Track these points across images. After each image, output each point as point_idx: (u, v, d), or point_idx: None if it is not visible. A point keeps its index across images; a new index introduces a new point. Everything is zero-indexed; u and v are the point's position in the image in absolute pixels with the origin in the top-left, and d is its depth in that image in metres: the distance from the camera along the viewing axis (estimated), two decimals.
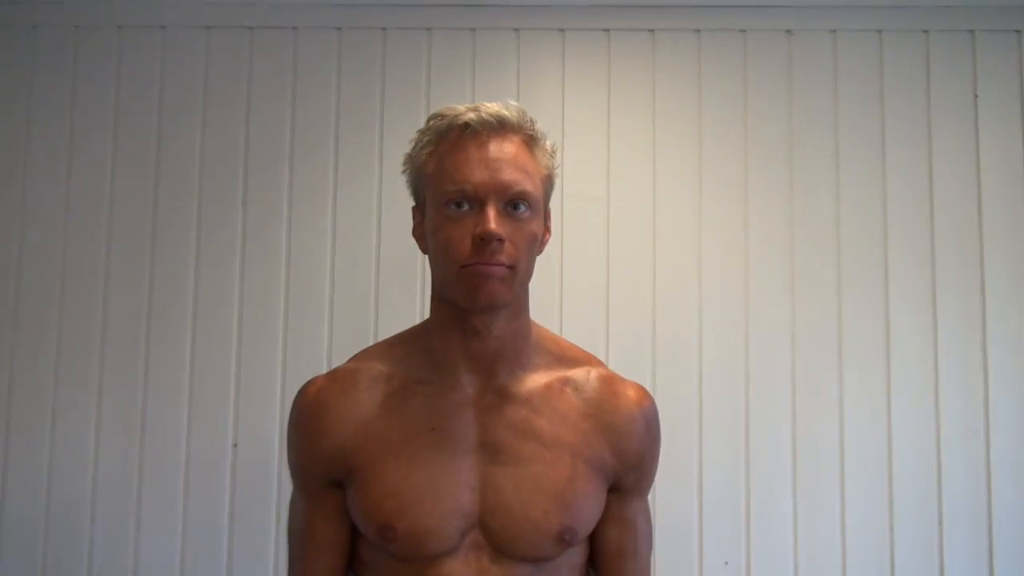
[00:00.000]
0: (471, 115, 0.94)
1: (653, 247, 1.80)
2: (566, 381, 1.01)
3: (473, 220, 0.92)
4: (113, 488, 1.73)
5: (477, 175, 0.92)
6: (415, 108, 1.81)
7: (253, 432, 1.73)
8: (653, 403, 1.05)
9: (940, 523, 1.72)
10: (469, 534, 0.94)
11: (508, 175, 0.93)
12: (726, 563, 1.72)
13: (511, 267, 0.93)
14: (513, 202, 0.93)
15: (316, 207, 1.80)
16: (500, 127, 0.95)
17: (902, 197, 1.80)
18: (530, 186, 0.94)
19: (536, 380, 1.00)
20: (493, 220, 0.91)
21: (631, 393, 1.03)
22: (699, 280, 1.79)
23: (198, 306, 1.78)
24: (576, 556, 1.00)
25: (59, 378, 1.76)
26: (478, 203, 0.92)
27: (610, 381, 1.03)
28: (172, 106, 1.82)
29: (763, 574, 1.71)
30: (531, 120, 0.98)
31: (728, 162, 1.81)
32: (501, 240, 0.91)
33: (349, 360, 1.04)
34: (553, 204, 1.74)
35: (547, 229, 1.02)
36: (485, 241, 0.90)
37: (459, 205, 0.92)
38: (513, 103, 0.97)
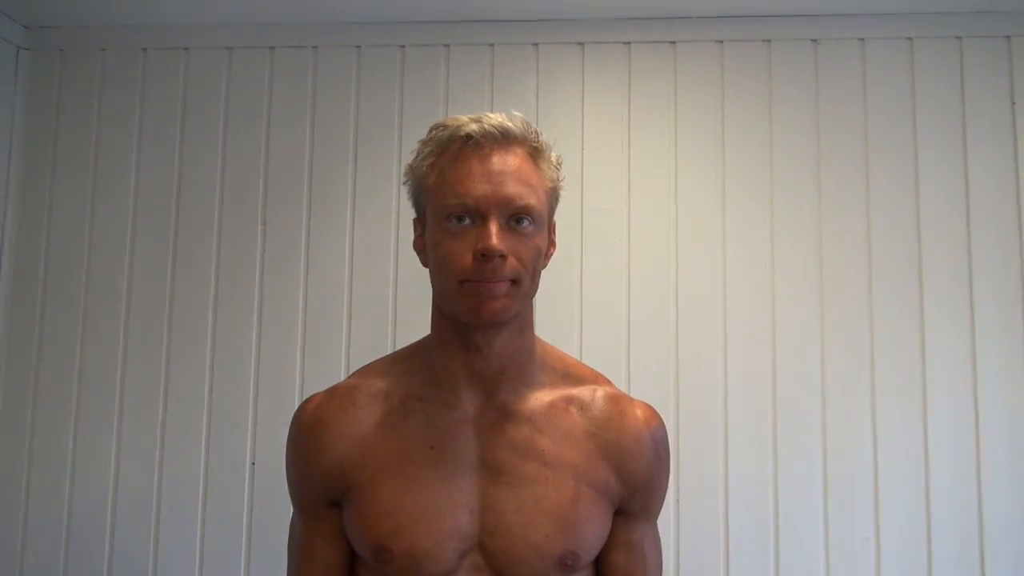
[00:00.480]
0: (473, 126, 0.91)
1: (675, 262, 1.75)
2: (571, 400, 0.97)
3: (474, 235, 0.89)
4: (132, 506, 1.74)
5: (479, 188, 0.89)
6: (434, 120, 1.79)
7: (271, 451, 1.73)
8: (662, 423, 1.00)
9: (981, 550, 1.63)
10: (468, 556, 0.91)
11: (511, 189, 0.89)
12: None
13: (514, 281, 0.90)
14: (516, 216, 0.90)
15: (335, 225, 1.80)
16: (503, 139, 0.91)
17: (936, 208, 1.73)
18: (534, 200, 0.91)
19: (539, 398, 0.96)
20: (495, 236, 0.87)
21: (639, 413, 0.99)
22: (723, 295, 1.74)
23: (217, 325, 1.78)
24: None
25: (80, 398, 1.77)
26: (480, 217, 0.89)
27: (617, 400, 0.99)
28: (194, 126, 1.85)
29: None
30: (536, 131, 0.95)
31: (752, 175, 1.77)
32: (503, 256, 0.88)
33: (350, 376, 1.02)
34: (572, 219, 1.75)
35: (552, 243, 0.99)
36: (487, 257, 0.87)
37: (460, 219, 0.90)
38: (517, 114, 0.95)
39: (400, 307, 1.76)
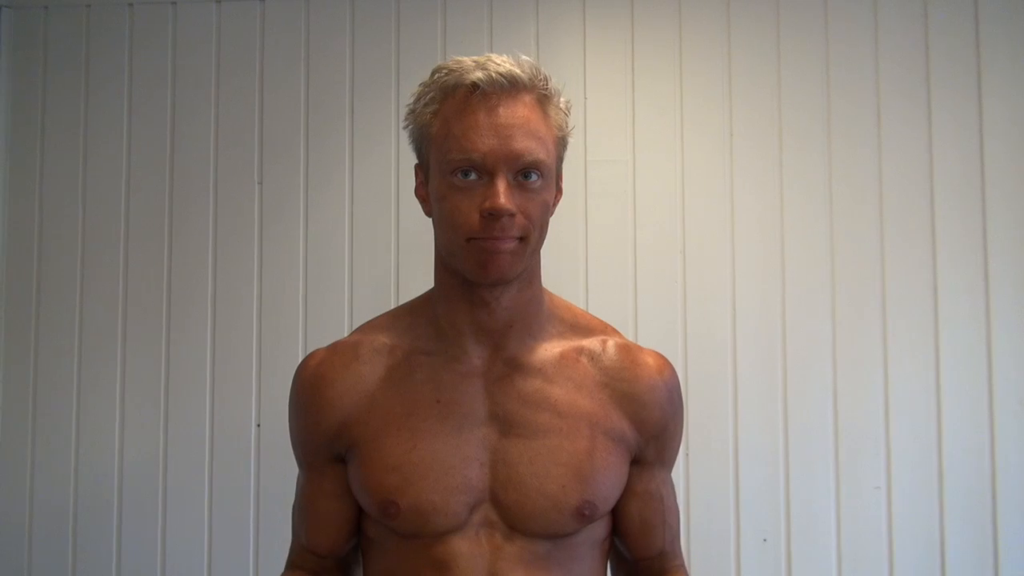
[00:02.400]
0: (479, 74, 0.86)
1: (682, 214, 1.72)
2: (581, 350, 0.96)
3: (481, 192, 0.85)
4: (139, 470, 1.73)
5: (486, 143, 0.85)
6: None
7: (276, 412, 1.71)
8: (674, 371, 0.99)
9: (994, 501, 1.62)
10: (478, 510, 0.89)
11: (520, 143, 0.85)
12: (764, 540, 1.65)
13: (522, 239, 0.87)
14: (524, 172, 0.87)
15: (333, 182, 1.76)
16: (511, 87, 0.87)
17: (949, 154, 1.69)
18: (542, 153, 0.87)
19: (549, 349, 0.94)
20: (503, 194, 0.84)
21: (651, 361, 0.97)
22: (731, 248, 1.70)
23: (218, 287, 1.75)
24: (597, 531, 0.95)
25: (82, 362, 1.75)
26: (487, 173, 0.86)
27: (628, 349, 0.97)
28: (185, 82, 1.80)
29: (803, 552, 1.64)
30: (545, 76, 0.90)
31: (761, 121, 1.72)
32: (512, 215, 0.85)
33: (352, 332, 1.01)
34: (576, 171, 1.71)
35: (559, 190, 0.96)
36: (494, 216, 0.84)
37: (466, 174, 0.86)
38: (525, 58, 0.90)
39: (402, 261, 1.74)
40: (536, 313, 0.95)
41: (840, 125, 1.71)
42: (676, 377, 0.99)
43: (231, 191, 1.77)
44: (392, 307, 1.71)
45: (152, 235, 1.77)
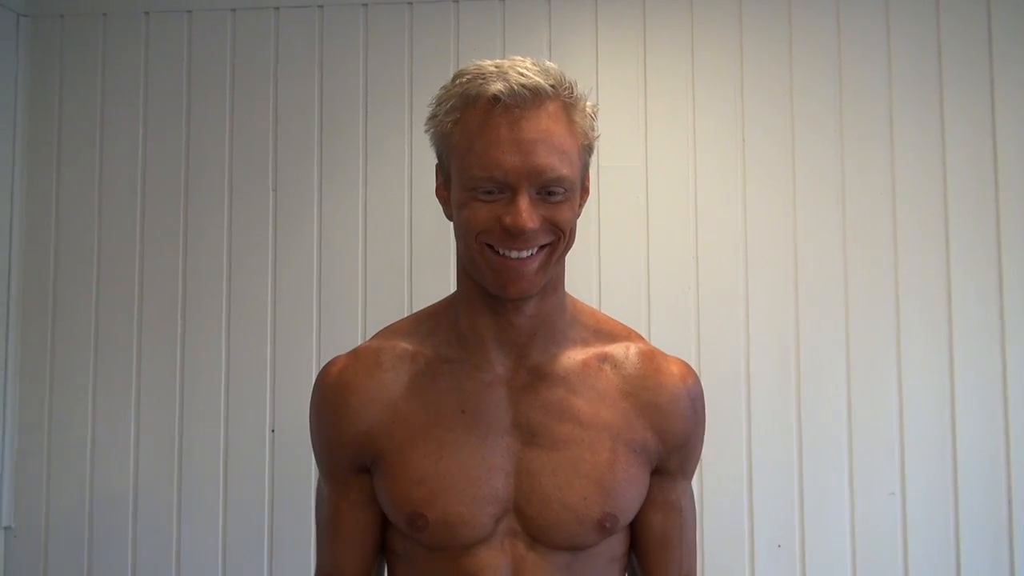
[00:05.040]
0: (500, 85, 0.83)
1: (695, 220, 1.72)
2: (604, 358, 0.95)
3: (504, 205, 0.84)
4: (154, 474, 1.74)
5: (508, 160, 0.82)
6: (444, 80, 1.75)
7: (290, 417, 1.72)
8: (698, 380, 0.98)
9: (1009, 506, 1.62)
10: (503, 521, 0.89)
11: (542, 159, 0.83)
12: (779, 546, 1.65)
13: (547, 245, 0.86)
14: (547, 187, 0.85)
15: (347, 188, 1.77)
16: (533, 98, 0.83)
17: (962, 160, 1.69)
18: (566, 169, 0.85)
19: (572, 357, 0.94)
20: (525, 212, 0.83)
21: (675, 370, 0.96)
22: (744, 253, 1.71)
23: (232, 292, 1.76)
24: (616, 544, 0.94)
25: (97, 365, 1.76)
26: (509, 189, 0.84)
27: (652, 357, 0.96)
28: (200, 90, 1.81)
29: (818, 558, 1.64)
30: (570, 83, 0.86)
31: (773, 120, 1.72)
32: (534, 230, 0.84)
33: (372, 338, 0.99)
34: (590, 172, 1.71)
35: (585, 189, 0.93)
36: (514, 233, 0.83)
37: (488, 192, 0.85)
38: (549, 63, 0.87)
39: (416, 266, 1.74)
40: (559, 319, 0.94)
41: (852, 130, 1.71)
42: (700, 386, 0.98)
43: (246, 197, 1.78)
44: (406, 313, 1.73)
45: (167, 240, 1.78)
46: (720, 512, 1.65)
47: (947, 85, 1.70)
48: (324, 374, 0.96)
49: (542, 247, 0.87)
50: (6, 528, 1.73)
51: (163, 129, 1.80)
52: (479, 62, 0.88)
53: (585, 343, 0.95)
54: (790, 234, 1.71)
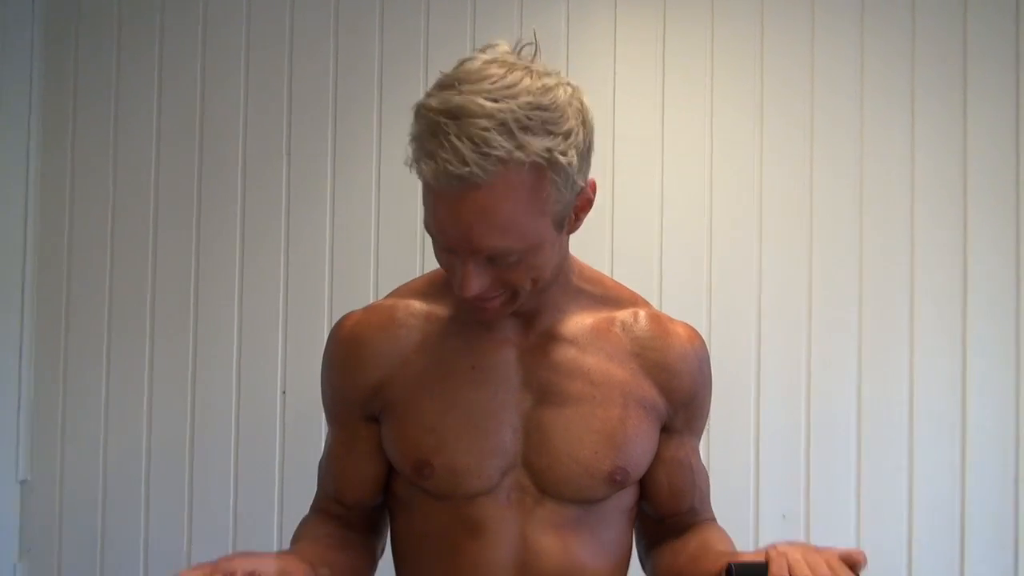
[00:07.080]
0: (429, 170, 0.74)
1: (710, 190, 1.72)
2: (613, 321, 0.96)
3: (458, 265, 0.81)
4: (166, 436, 1.76)
5: (450, 232, 0.79)
6: (460, 53, 1.74)
7: (301, 379, 1.74)
8: (704, 342, 1.00)
9: (1016, 485, 1.62)
10: (510, 475, 0.91)
11: (482, 240, 0.77)
12: (783, 517, 1.66)
13: (512, 293, 0.85)
14: (494, 258, 0.80)
15: (360, 153, 1.77)
16: (462, 186, 0.74)
17: (984, 138, 1.68)
18: (512, 240, 0.78)
19: (581, 320, 0.95)
20: (468, 279, 0.80)
21: (681, 331, 0.98)
22: (759, 225, 1.71)
23: (245, 256, 1.77)
24: (625, 498, 0.96)
25: (111, 327, 1.78)
26: (456, 255, 0.81)
27: (659, 320, 0.98)
28: (215, 58, 1.80)
29: (823, 529, 1.65)
30: (544, 127, 0.75)
31: (792, 96, 1.71)
32: (480, 295, 0.82)
33: (388, 295, 1.01)
34: (603, 147, 1.70)
35: (586, 203, 0.86)
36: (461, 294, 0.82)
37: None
38: (523, 114, 0.74)
39: (427, 233, 1.74)
40: (564, 291, 0.95)
41: (872, 102, 1.70)
42: (706, 348, 1.00)
43: (259, 163, 1.79)
44: (416, 274, 1.73)
45: (181, 206, 1.79)
46: (726, 482, 1.66)
47: (971, 66, 1.69)
48: (338, 327, 0.98)
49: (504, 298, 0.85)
50: (22, 482, 1.76)
51: (178, 97, 1.79)
52: (428, 101, 0.78)
53: (593, 308, 0.97)
54: (806, 206, 1.70)
